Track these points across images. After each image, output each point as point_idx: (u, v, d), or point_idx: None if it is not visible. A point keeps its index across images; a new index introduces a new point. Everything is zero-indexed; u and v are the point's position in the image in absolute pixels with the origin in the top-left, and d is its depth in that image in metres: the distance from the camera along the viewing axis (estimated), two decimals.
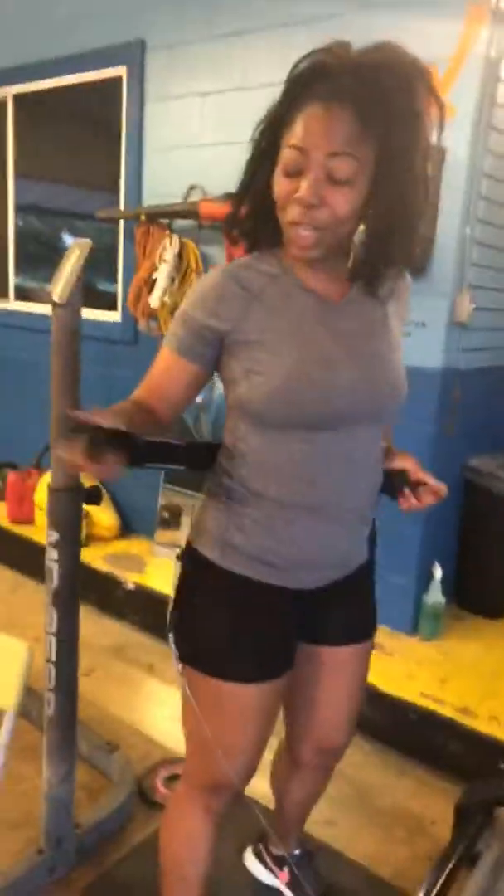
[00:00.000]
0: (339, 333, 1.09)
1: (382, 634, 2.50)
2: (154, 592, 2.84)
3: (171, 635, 1.18)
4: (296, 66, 0.99)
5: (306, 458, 1.08)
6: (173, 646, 1.19)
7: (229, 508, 1.13)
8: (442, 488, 1.19)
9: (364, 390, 1.08)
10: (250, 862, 1.67)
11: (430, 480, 1.19)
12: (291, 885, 1.59)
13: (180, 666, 1.19)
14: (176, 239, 2.79)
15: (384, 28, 2.24)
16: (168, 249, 2.77)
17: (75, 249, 1.39)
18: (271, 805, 1.59)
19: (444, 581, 2.54)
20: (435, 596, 2.54)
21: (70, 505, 1.45)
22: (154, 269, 2.84)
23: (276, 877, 1.62)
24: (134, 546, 3.25)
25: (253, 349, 1.05)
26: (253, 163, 1.06)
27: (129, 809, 1.83)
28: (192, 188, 2.84)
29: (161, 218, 2.85)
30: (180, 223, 2.88)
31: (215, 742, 1.17)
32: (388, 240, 1.03)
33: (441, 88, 1.01)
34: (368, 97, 0.94)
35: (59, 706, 1.53)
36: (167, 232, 2.84)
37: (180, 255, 2.81)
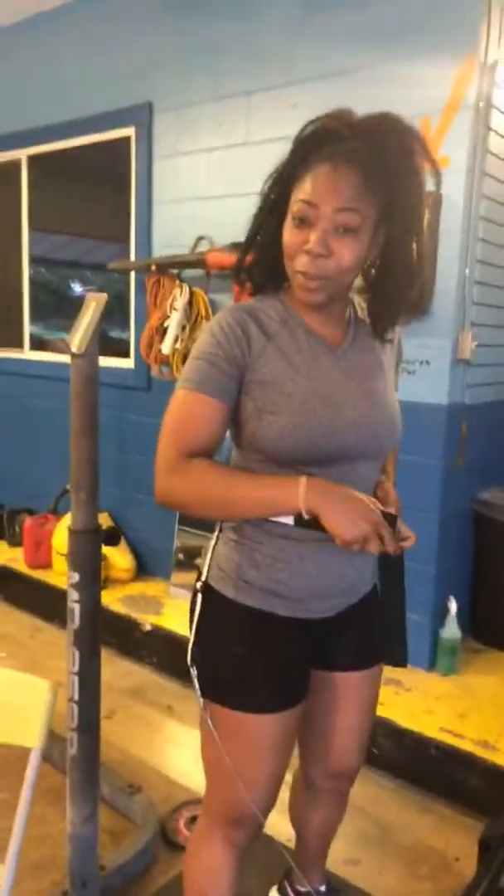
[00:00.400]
0: (341, 374, 1.16)
1: (401, 671, 2.51)
2: (171, 634, 2.86)
3: (193, 669, 1.22)
4: (304, 128, 1.08)
5: None
6: (195, 680, 1.22)
7: (242, 545, 1.18)
8: (411, 539, 1.21)
9: (366, 427, 1.15)
10: None
11: (403, 529, 1.20)
12: None
13: (201, 700, 1.22)
14: (186, 288, 2.90)
15: (382, 84, 2.40)
16: (178, 298, 2.87)
17: (92, 302, 1.47)
18: (292, 843, 1.59)
19: (459, 615, 2.56)
20: (451, 630, 2.54)
21: (90, 546, 1.50)
22: (165, 317, 2.94)
23: None
24: (150, 588, 3.28)
25: (266, 389, 1.11)
26: (261, 214, 1.15)
27: (153, 851, 1.84)
28: (200, 239, 2.96)
29: (171, 268, 2.97)
30: (189, 272, 2.99)
31: (236, 773, 1.19)
32: (397, 288, 1.14)
33: (436, 138, 1.10)
34: (373, 159, 1.03)
35: (83, 746, 1.56)
36: (177, 281, 2.95)
37: (190, 304, 2.91)
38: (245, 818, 1.25)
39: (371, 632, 1.33)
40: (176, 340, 2.91)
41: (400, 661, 1.32)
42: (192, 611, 1.25)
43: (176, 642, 2.83)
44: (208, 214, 2.95)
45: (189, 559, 3.19)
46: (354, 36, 2.51)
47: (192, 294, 2.92)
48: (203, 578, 1.23)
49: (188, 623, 1.26)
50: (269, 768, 1.21)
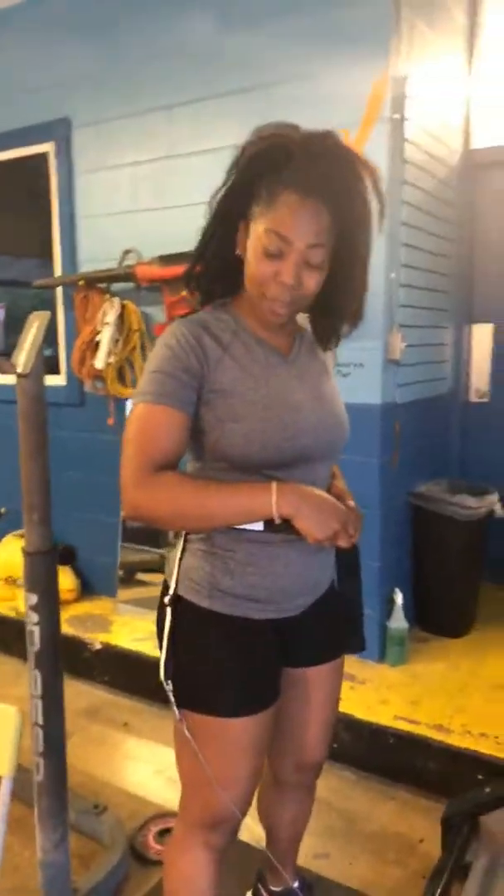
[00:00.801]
0: (295, 381, 1.21)
1: (353, 665, 2.58)
2: (121, 650, 2.84)
3: (167, 684, 1.23)
4: (252, 142, 1.10)
5: None
6: (170, 694, 1.23)
7: (213, 555, 1.20)
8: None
9: (322, 430, 1.21)
10: None
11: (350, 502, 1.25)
12: None
13: (178, 712, 1.23)
14: (117, 301, 2.89)
15: (302, 98, 2.47)
16: (110, 312, 2.86)
17: (35, 321, 1.46)
18: (261, 846, 1.62)
19: (404, 606, 2.64)
20: (398, 622, 2.63)
21: (46, 567, 1.49)
22: (96, 331, 2.92)
23: None
24: (96, 606, 3.24)
25: (227, 398, 1.14)
26: (210, 227, 1.16)
27: (125, 869, 1.82)
28: (127, 252, 2.96)
29: (100, 282, 2.95)
30: (118, 286, 2.98)
31: (215, 778, 1.21)
32: (342, 303, 1.20)
33: (355, 149, 1.15)
34: (333, 189, 1.08)
35: (50, 770, 1.53)
36: (106, 295, 2.94)
37: (121, 317, 2.91)
38: (223, 820, 1.27)
39: (332, 625, 1.38)
40: (109, 355, 2.90)
41: (360, 648, 1.39)
42: (160, 626, 1.26)
43: (127, 658, 2.81)
44: (135, 228, 2.95)
45: (133, 575, 3.18)
46: (273, 51, 2.57)
47: (122, 307, 2.91)
48: (172, 592, 1.24)
49: (157, 639, 1.27)
50: (249, 769, 1.24)
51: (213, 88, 2.72)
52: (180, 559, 1.25)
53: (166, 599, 1.25)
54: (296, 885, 1.64)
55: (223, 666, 1.20)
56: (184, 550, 1.25)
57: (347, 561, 1.34)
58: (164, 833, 1.96)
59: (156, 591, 3.44)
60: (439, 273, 2.98)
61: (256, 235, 1.10)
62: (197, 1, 2.71)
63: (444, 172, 2.92)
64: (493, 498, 2.87)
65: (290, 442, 1.16)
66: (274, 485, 1.07)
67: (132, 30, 2.88)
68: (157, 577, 3.16)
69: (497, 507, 2.87)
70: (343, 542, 1.09)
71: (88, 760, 2.34)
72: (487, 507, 2.83)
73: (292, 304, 1.14)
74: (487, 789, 1.85)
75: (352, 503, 1.20)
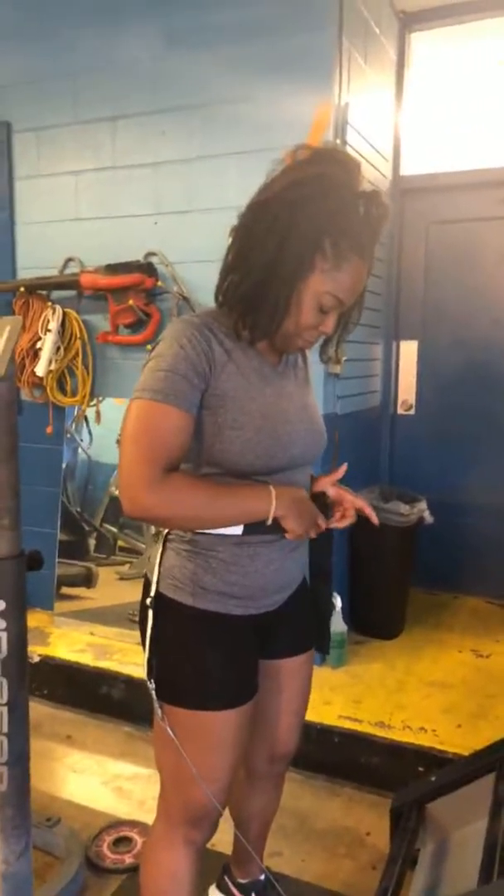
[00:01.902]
0: (285, 391, 1.28)
1: None
2: (61, 662, 2.79)
3: (150, 682, 1.25)
4: (322, 191, 1.12)
5: None
6: (153, 691, 1.25)
7: (197, 553, 1.24)
8: (357, 503, 1.37)
9: (308, 438, 1.29)
10: None
11: (348, 497, 1.37)
12: None
13: (160, 710, 1.25)
14: (58, 309, 2.87)
15: (246, 119, 2.56)
16: (51, 320, 2.83)
17: (6, 326, 1.45)
18: (221, 845, 1.65)
19: (342, 610, 2.74)
20: (338, 625, 2.72)
21: (15, 572, 1.47)
22: (37, 338, 2.88)
23: None
24: (32, 619, 3.15)
25: (228, 404, 1.18)
26: (271, 276, 1.15)
27: (82, 880, 1.80)
28: (69, 260, 2.94)
29: (42, 290, 2.92)
30: (59, 294, 2.96)
31: (197, 771, 1.24)
32: (348, 330, 1.33)
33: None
34: (374, 247, 1.21)
35: (14, 780, 1.51)
36: (48, 303, 2.91)
37: (63, 325, 2.88)
38: (205, 815, 1.30)
39: (304, 618, 1.46)
40: (50, 362, 2.87)
41: (326, 651, 1.48)
42: (142, 626, 1.28)
43: (67, 671, 2.77)
44: (77, 236, 2.95)
45: (58, 589, 3.13)
46: (217, 72, 2.65)
47: (64, 315, 2.89)
48: (153, 592, 1.27)
49: (140, 638, 1.29)
50: (229, 762, 1.28)
51: (157, 104, 2.77)
52: (161, 559, 1.28)
53: (148, 600, 1.27)
54: (262, 877, 1.68)
55: (206, 661, 1.24)
56: (164, 550, 1.28)
57: (320, 564, 1.42)
58: (118, 842, 1.95)
59: (90, 604, 3.41)
60: (372, 292, 3.12)
61: (315, 292, 1.16)
62: (143, 17, 2.75)
63: None
64: (423, 505, 3.03)
65: (283, 451, 1.22)
66: (272, 489, 1.15)
67: (77, 39, 2.88)
68: (84, 592, 3.14)
69: (426, 514, 3.03)
70: (313, 534, 1.25)
71: (34, 775, 2.22)
72: (418, 514, 2.98)
73: None
74: (433, 778, 1.95)
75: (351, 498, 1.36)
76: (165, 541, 1.28)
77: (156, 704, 1.26)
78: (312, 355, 1.42)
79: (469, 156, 3.22)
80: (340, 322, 1.28)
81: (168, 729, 1.24)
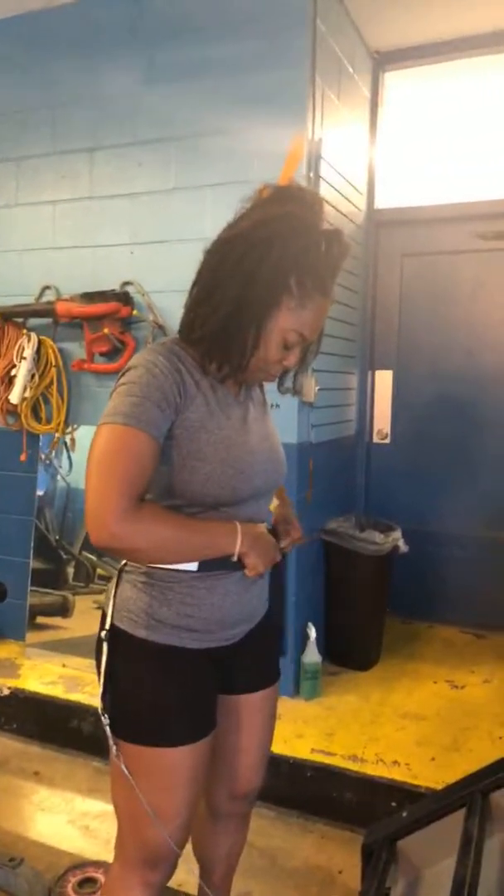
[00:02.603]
0: (247, 422, 1.28)
1: None
2: (31, 695, 2.73)
3: (104, 717, 1.23)
4: (286, 233, 1.13)
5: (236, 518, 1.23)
6: (107, 728, 1.23)
7: (152, 586, 1.23)
8: (294, 532, 1.39)
9: (270, 468, 1.29)
10: None
11: (293, 522, 1.41)
12: None
13: (114, 747, 1.23)
14: (34, 336, 2.86)
15: (222, 152, 2.59)
16: (27, 347, 2.83)
17: None
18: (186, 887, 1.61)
19: (316, 640, 2.72)
20: (312, 656, 2.70)
21: None
22: (11, 365, 2.87)
23: None
24: (2, 650, 3.10)
25: (193, 436, 1.17)
26: (235, 310, 1.15)
27: None
28: (45, 288, 2.95)
29: (17, 317, 2.92)
30: (34, 321, 2.96)
31: (153, 811, 1.21)
32: (308, 361, 1.32)
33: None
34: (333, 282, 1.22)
35: None
36: (23, 330, 2.90)
37: (38, 352, 2.88)
38: (162, 857, 1.27)
39: (267, 652, 1.45)
40: (25, 389, 2.85)
41: (277, 676, 1.48)
42: (98, 659, 1.26)
43: (37, 704, 2.71)
44: (54, 264, 2.96)
45: (33, 619, 3.08)
46: (192, 106, 2.69)
47: (39, 343, 2.88)
48: (107, 625, 1.25)
49: (96, 672, 1.27)
50: (187, 800, 1.25)
51: (134, 136, 2.80)
52: (115, 590, 1.26)
53: (103, 633, 1.25)
54: None
55: (160, 696, 1.22)
56: (119, 582, 1.27)
57: (274, 587, 1.42)
58: (83, 883, 1.90)
59: (63, 635, 3.36)
60: (347, 322, 3.17)
61: (280, 329, 1.17)
62: (123, 52, 2.80)
63: (351, 229, 3.14)
64: (397, 534, 3.03)
65: (246, 483, 1.22)
66: (238, 526, 1.16)
67: (58, 72, 2.92)
68: (59, 622, 3.09)
69: (400, 543, 3.03)
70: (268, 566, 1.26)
71: (0, 814, 2.23)
72: (392, 543, 2.98)
73: None
74: (404, 814, 1.92)
75: (296, 524, 1.37)
76: (121, 572, 1.27)
77: (110, 741, 1.23)
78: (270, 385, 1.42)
79: (443, 190, 3.29)
80: (301, 355, 1.29)
81: (123, 766, 1.21)
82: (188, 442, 1.17)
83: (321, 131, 2.69)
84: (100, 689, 1.24)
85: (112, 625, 1.25)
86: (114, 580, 1.28)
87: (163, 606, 1.22)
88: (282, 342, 1.19)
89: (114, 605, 1.25)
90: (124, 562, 1.27)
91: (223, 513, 1.22)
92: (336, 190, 2.90)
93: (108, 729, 1.23)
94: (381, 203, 3.43)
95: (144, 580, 1.24)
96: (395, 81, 3.36)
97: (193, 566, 1.21)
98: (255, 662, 1.40)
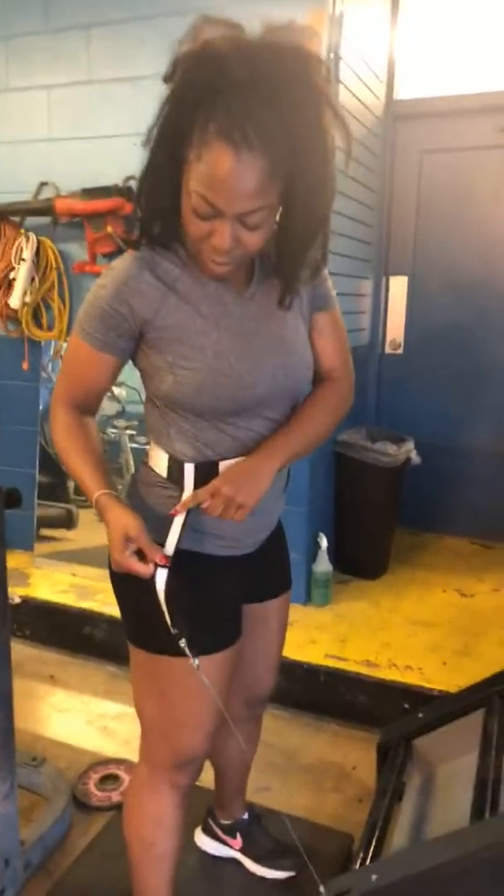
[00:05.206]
0: (252, 320, 1.13)
1: None
2: (43, 603, 2.74)
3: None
4: (185, 58, 0.93)
5: (239, 435, 1.16)
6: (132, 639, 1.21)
7: (173, 491, 1.17)
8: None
9: (283, 375, 1.15)
10: (201, 840, 1.71)
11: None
12: (245, 849, 1.66)
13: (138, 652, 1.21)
14: (32, 237, 2.70)
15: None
16: (25, 249, 2.67)
17: None
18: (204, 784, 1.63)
19: (328, 550, 2.71)
20: (323, 564, 2.70)
21: None
22: (10, 268, 2.73)
23: (229, 846, 1.67)
24: (11, 560, 3.05)
25: (174, 342, 1.08)
26: (149, 175, 1.01)
27: (69, 818, 1.79)
28: (42, 184, 2.76)
29: (13, 216, 2.75)
30: (32, 221, 2.79)
31: (182, 717, 1.20)
32: (298, 255, 1.07)
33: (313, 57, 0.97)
34: (277, 130, 0.90)
35: None
36: (21, 231, 2.74)
37: (37, 254, 2.73)
38: (191, 760, 1.26)
39: (282, 558, 1.41)
40: (25, 293, 2.72)
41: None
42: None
43: (49, 611, 2.73)
44: (51, 158, 2.76)
45: (50, 530, 3.07)
46: None
47: (38, 243, 2.73)
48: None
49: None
50: (215, 706, 1.23)
51: (136, 10, 2.55)
52: (142, 499, 1.20)
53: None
54: (245, 816, 1.67)
55: (189, 605, 1.17)
56: (143, 491, 1.21)
57: None
58: (105, 780, 1.94)
59: (70, 546, 3.36)
60: (363, 223, 3.00)
61: (187, 190, 0.97)
62: None
63: (370, 120, 2.93)
64: (410, 445, 2.99)
65: (247, 391, 1.11)
66: (98, 495, 1.09)
67: None
68: (65, 534, 3.08)
69: (413, 455, 2.99)
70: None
71: (17, 715, 2.20)
72: (405, 454, 2.94)
73: (233, 262, 1.03)
74: (420, 714, 1.95)
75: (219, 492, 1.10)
76: (145, 482, 1.22)
77: (135, 653, 1.20)
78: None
79: (467, 79, 3.05)
80: (296, 246, 1.05)
81: (151, 676, 1.18)
82: (169, 348, 1.09)
83: (342, 5, 2.44)
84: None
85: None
86: (135, 487, 1.23)
87: (196, 513, 1.16)
88: (194, 212, 0.97)
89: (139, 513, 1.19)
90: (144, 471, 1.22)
91: (232, 425, 1.13)
92: (356, 74, 2.68)
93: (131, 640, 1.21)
94: (400, 94, 3.19)
95: (166, 485, 1.18)
96: None
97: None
98: (271, 569, 1.37)
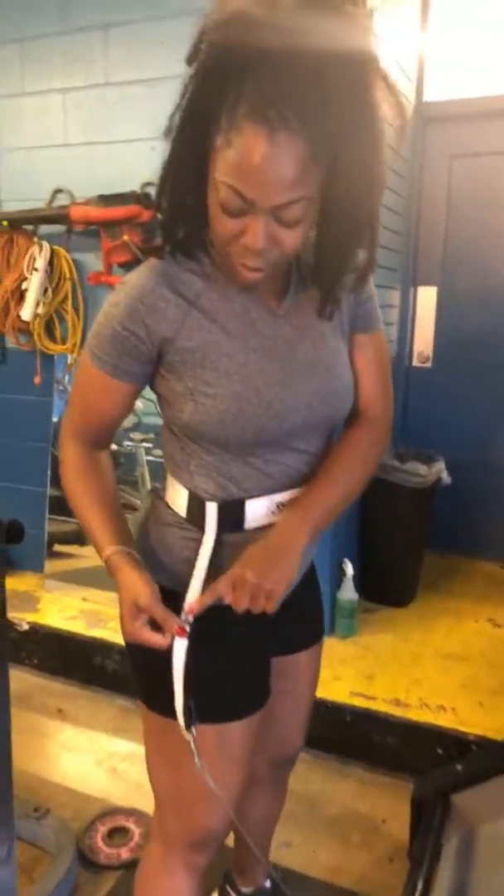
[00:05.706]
0: (285, 341, 0.99)
1: None
2: (52, 630, 2.61)
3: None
4: (213, 27, 0.76)
5: (268, 469, 1.02)
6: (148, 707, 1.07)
7: (193, 533, 1.03)
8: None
9: (320, 402, 1.00)
10: None
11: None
12: None
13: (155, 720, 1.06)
14: (46, 246, 2.59)
15: None
16: (38, 258, 2.56)
17: None
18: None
19: (353, 578, 2.55)
20: (348, 593, 2.54)
21: None
22: (22, 278, 2.61)
23: None
24: (20, 582, 2.97)
25: (196, 365, 0.94)
26: (171, 169, 0.88)
27: (73, 878, 1.64)
28: (57, 191, 2.65)
29: (26, 224, 2.63)
30: (46, 230, 2.67)
31: (202, 791, 1.04)
32: (343, 251, 0.93)
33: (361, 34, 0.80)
34: (318, 110, 0.76)
35: None
36: (34, 239, 2.63)
37: (51, 264, 2.61)
38: (211, 839, 1.11)
39: (312, 607, 1.27)
40: (37, 305, 2.60)
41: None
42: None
43: (58, 639, 2.59)
44: (66, 164, 2.64)
45: (50, 546, 2.95)
46: None
47: (52, 253, 2.61)
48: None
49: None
50: (244, 775, 1.09)
51: (157, 9, 2.43)
52: (156, 542, 1.07)
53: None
54: (267, 884, 1.52)
55: (224, 665, 1.03)
56: (157, 532, 1.08)
57: None
58: (112, 833, 1.80)
59: (83, 563, 3.24)
60: (390, 230, 2.85)
61: (214, 183, 0.83)
62: None
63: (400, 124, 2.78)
64: (441, 465, 2.82)
65: (276, 421, 0.96)
66: (109, 551, 0.97)
67: None
68: (77, 549, 2.96)
69: (444, 475, 2.83)
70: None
71: (22, 754, 2.08)
72: (436, 475, 2.78)
73: (267, 266, 0.89)
74: (459, 766, 1.78)
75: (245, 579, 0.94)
76: (162, 522, 1.08)
77: (149, 717, 1.06)
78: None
79: (499, 80, 2.90)
80: (305, 239, 0.89)
81: (192, 747, 1.00)
82: (191, 372, 0.95)
83: (371, 4, 2.31)
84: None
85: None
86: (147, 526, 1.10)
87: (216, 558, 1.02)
88: (219, 203, 0.83)
89: (151, 560, 1.05)
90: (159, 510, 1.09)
91: (260, 458, 0.99)
92: None
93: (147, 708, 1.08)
94: (430, 95, 3.04)
95: (185, 527, 1.04)
96: None
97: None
98: (301, 619, 1.22)
